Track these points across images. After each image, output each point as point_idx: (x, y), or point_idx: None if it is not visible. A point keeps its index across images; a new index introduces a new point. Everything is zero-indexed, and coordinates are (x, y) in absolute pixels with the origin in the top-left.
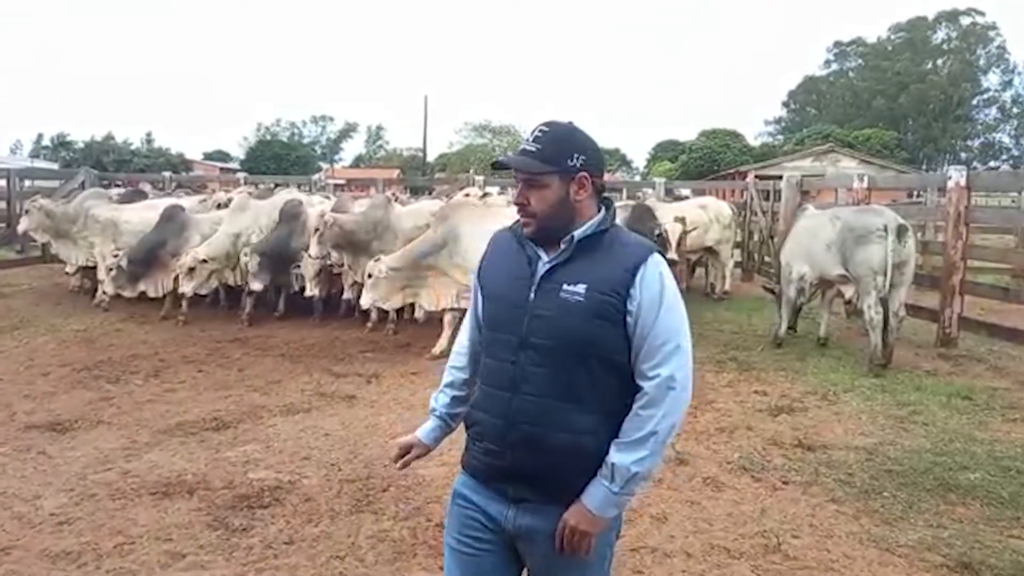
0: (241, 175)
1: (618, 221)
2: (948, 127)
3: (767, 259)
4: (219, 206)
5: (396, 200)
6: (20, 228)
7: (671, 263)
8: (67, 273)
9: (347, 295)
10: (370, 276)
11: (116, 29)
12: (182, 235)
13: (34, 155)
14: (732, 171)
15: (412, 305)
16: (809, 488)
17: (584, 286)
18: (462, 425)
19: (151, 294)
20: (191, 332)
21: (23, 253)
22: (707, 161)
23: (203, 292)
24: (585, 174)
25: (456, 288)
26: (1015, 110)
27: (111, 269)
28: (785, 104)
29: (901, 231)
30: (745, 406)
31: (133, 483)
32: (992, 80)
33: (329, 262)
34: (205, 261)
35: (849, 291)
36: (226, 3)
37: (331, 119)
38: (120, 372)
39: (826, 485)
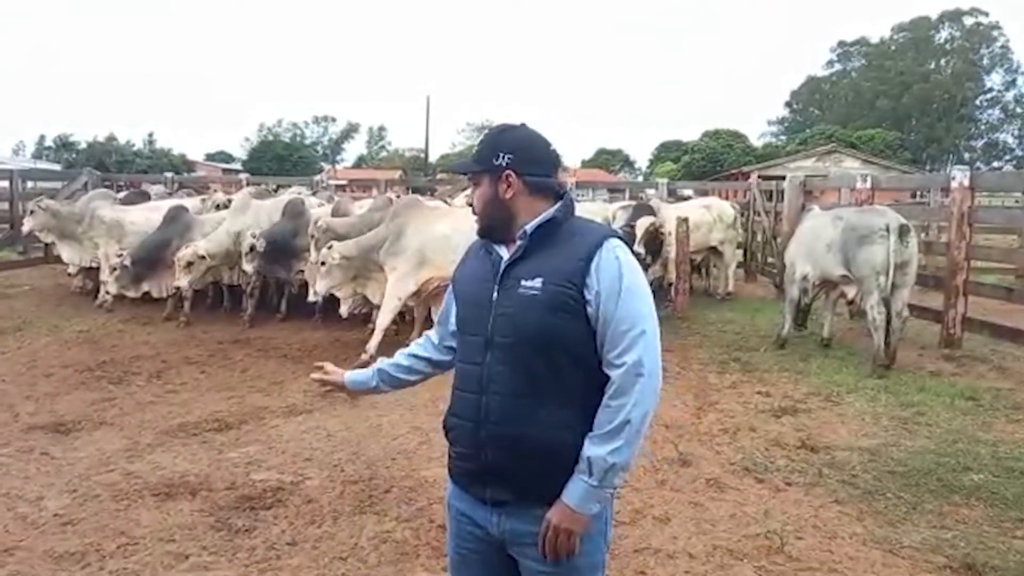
0: (244, 176)
1: (620, 221)
2: (951, 127)
3: (770, 259)
4: (218, 207)
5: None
6: (25, 228)
7: (638, 256)
8: (69, 274)
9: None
10: (323, 264)
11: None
12: (186, 236)
13: (37, 156)
14: (735, 171)
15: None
16: (812, 489)
17: (540, 280)
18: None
19: (155, 294)
20: (193, 333)
21: (25, 254)
22: (710, 161)
23: (197, 288)
24: (511, 172)
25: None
26: (1018, 110)
27: (115, 269)
28: (788, 104)
29: (903, 231)
30: (748, 407)
31: (136, 484)
32: (995, 80)
33: None
34: (204, 257)
35: (852, 292)
36: (229, 3)
37: (333, 119)
38: (122, 373)
39: (829, 486)
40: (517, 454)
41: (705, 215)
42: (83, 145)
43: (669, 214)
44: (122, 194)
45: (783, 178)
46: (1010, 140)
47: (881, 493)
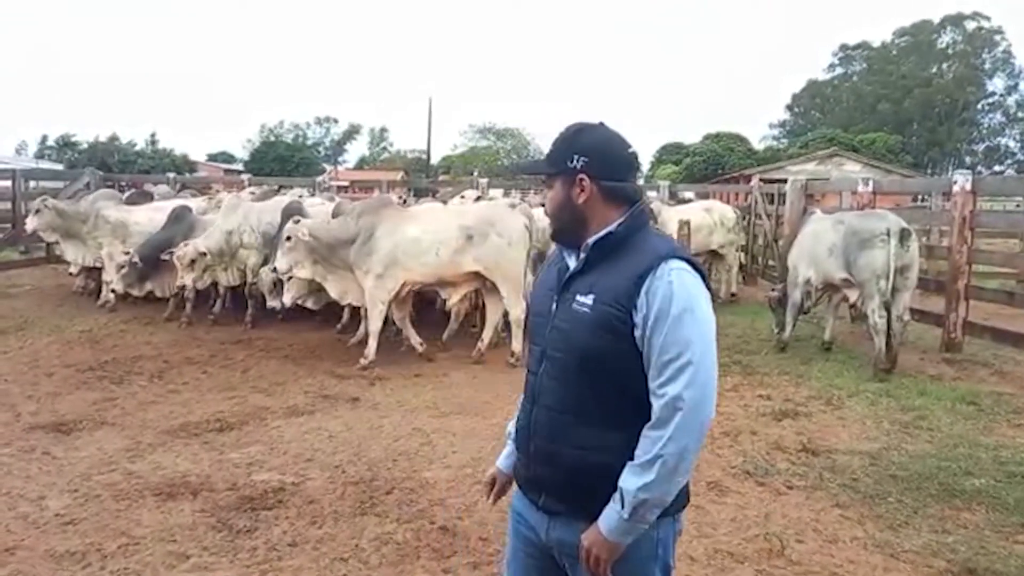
0: (245, 176)
1: None
2: (953, 131)
3: (771, 263)
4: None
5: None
6: (29, 227)
7: None
8: (71, 274)
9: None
10: (288, 239)
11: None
12: (190, 236)
13: (39, 156)
14: (736, 174)
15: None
16: (813, 493)
17: (592, 297)
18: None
19: (158, 294)
20: (195, 334)
21: (27, 254)
22: (711, 164)
23: (199, 288)
24: (584, 176)
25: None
26: (1020, 114)
27: (122, 267)
28: (789, 108)
29: (904, 235)
30: (749, 410)
31: (137, 484)
32: (997, 84)
33: None
34: (204, 254)
35: (853, 295)
36: (231, 3)
37: (335, 120)
38: (124, 373)
39: (830, 490)
40: (558, 470)
41: (706, 218)
42: (85, 145)
43: (670, 217)
44: (126, 195)
45: (784, 181)
46: (1012, 144)
47: (882, 497)
